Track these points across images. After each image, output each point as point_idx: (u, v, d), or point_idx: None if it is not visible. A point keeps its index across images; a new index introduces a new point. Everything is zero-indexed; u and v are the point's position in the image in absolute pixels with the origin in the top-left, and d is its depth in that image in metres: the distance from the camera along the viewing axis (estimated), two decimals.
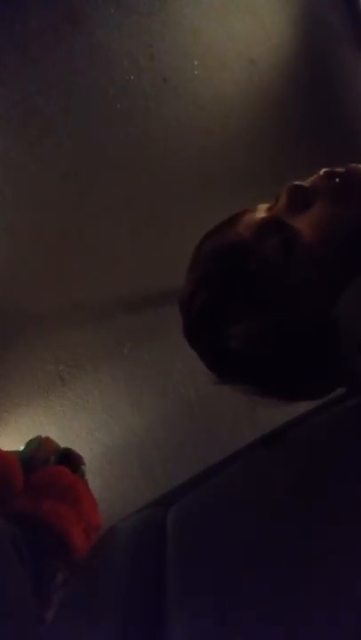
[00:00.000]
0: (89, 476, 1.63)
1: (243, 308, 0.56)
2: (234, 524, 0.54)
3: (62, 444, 1.59)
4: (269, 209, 0.59)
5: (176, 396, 1.65)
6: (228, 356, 0.58)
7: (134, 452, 1.65)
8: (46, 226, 1.44)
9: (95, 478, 1.67)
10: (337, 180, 0.54)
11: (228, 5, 1.42)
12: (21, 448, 1.03)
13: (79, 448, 1.61)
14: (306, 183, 0.56)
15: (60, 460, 0.98)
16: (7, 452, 0.91)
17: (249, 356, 0.56)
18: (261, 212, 0.59)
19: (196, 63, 1.43)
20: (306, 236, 0.53)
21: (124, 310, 1.55)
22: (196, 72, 1.44)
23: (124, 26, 1.34)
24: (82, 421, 1.60)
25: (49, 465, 0.95)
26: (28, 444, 1.02)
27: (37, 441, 1.01)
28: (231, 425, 1.69)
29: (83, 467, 0.99)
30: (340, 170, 0.54)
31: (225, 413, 1.69)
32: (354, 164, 0.55)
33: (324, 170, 0.55)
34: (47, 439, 1.03)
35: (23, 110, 1.33)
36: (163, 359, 1.62)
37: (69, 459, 1.00)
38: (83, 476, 0.97)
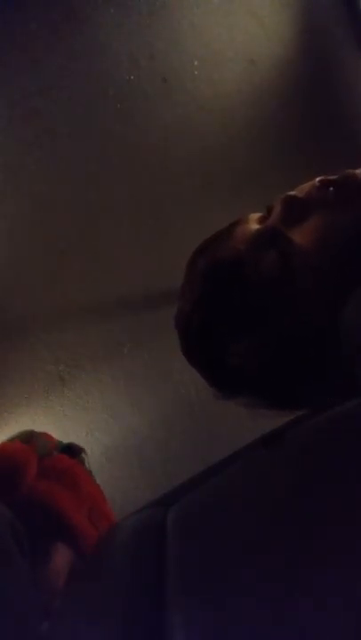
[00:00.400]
0: None
1: (242, 324, 0.55)
2: (234, 524, 0.54)
3: None
4: (262, 220, 0.57)
5: (176, 396, 1.65)
6: (229, 373, 0.57)
7: (134, 452, 1.65)
8: (46, 226, 1.44)
9: (95, 478, 1.67)
10: (331, 188, 0.52)
11: (228, 5, 1.42)
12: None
13: None
14: (300, 193, 0.54)
15: (62, 452, 0.99)
16: (22, 445, 0.91)
17: (250, 372, 0.55)
18: (254, 223, 0.57)
19: (196, 63, 1.43)
20: (303, 247, 0.51)
21: (124, 310, 1.55)
22: (196, 72, 1.44)
23: (124, 26, 1.35)
24: (82, 421, 1.60)
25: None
26: (19, 435, 1.02)
27: (27, 433, 1.02)
28: (231, 425, 1.69)
29: (83, 455, 0.99)
30: (334, 177, 0.53)
31: (225, 413, 1.69)
32: (349, 170, 0.53)
33: (318, 179, 0.53)
34: (46, 434, 1.04)
35: (23, 110, 1.34)
36: (163, 359, 1.62)
37: (70, 449, 1.01)
38: (83, 462, 0.97)
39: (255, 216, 0.58)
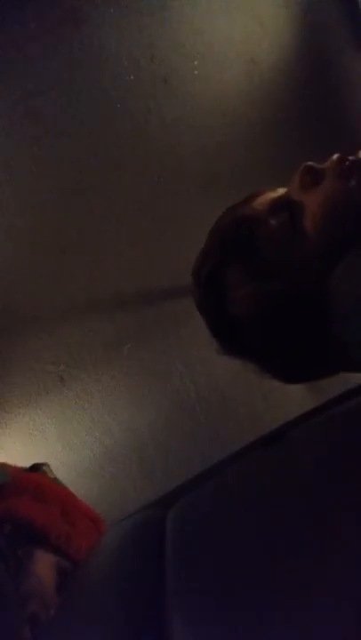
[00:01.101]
0: (89, 477, 1.64)
1: (246, 275, 0.59)
2: (234, 524, 0.54)
3: (62, 444, 1.60)
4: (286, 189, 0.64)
5: (176, 396, 1.65)
6: (229, 322, 0.62)
7: (134, 451, 1.65)
8: (46, 226, 1.44)
9: (95, 478, 1.68)
10: (347, 163, 0.57)
11: (228, 5, 1.42)
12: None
13: (79, 448, 1.63)
14: (318, 165, 0.59)
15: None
16: None
17: (249, 324, 0.60)
18: (277, 192, 0.63)
19: (196, 63, 1.43)
20: (311, 211, 0.57)
21: (124, 310, 1.55)
22: (196, 72, 1.44)
23: (125, 26, 1.35)
24: (82, 421, 1.60)
25: None
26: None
27: (4, 472, 1.03)
28: (231, 425, 1.69)
29: (44, 467, 1.00)
30: (352, 157, 0.57)
31: (225, 413, 1.69)
32: None
33: (336, 155, 0.58)
34: (5, 464, 1.05)
35: (23, 110, 1.34)
36: (163, 359, 1.62)
37: (32, 468, 1.02)
38: (45, 473, 0.98)
39: (281, 189, 0.64)
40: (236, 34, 1.45)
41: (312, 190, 0.58)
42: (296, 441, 0.64)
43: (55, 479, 1.00)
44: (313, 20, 1.51)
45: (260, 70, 1.49)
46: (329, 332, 0.54)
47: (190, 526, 0.59)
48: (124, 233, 1.50)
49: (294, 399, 1.70)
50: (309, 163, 0.59)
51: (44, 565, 0.73)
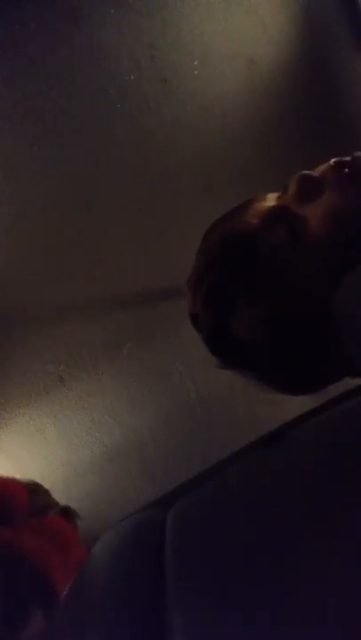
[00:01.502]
0: (89, 477, 1.64)
1: (247, 294, 0.56)
2: (234, 524, 0.54)
3: (62, 443, 1.60)
4: (278, 198, 0.59)
5: (176, 396, 1.65)
6: (230, 342, 0.59)
7: (134, 451, 1.65)
8: (46, 226, 1.44)
9: (95, 478, 1.68)
10: (346, 170, 0.54)
11: (229, 5, 1.42)
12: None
13: (79, 448, 1.63)
14: (315, 172, 0.56)
15: (59, 512, 0.99)
16: (13, 479, 0.91)
17: (250, 344, 0.57)
18: (271, 200, 0.59)
19: (196, 63, 1.43)
20: (313, 225, 0.53)
21: (124, 310, 1.55)
22: (196, 72, 1.44)
23: (124, 26, 1.34)
24: (82, 421, 1.60)
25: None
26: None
27: (36, 484, 1.02)
28: (231, 425, 1.69)
29: (79, 521, 1.00)
30: (348, 159, 0.54)
31: (225, 413, 1.69)
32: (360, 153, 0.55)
33: (333, 160, 0.55)
34: (48, 491, 1.04)
35: (23, 110, 1.33)
36: (163, 359, 1.62)
37: (68, 512, 1.01)
38: (77, 529, 0.97)
39: (273, 195, 0.60)
40: (237, 34, 1.45)
41: (312, 203, 0.54)
42: (296, 441, 0.64)
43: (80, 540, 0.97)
44: (313, 19, 1.51)
45: (261, 70, 1.49)
46: (335, 348, 0.51)
47: (190, 526, 0.59)
48: (124, 233, 1.50)
49: (294, 399, 1.70)
50: (306, 172, 0.56)
51: (36, 629, 0.71)
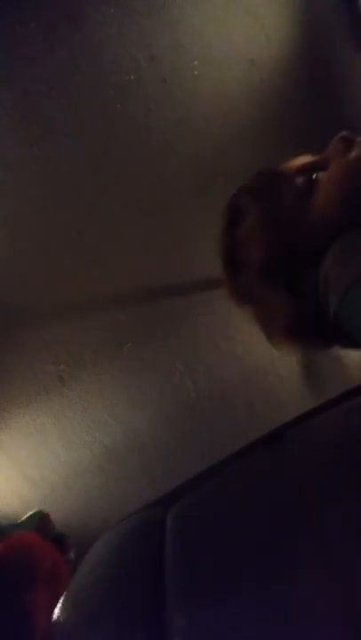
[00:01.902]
0: (89, 476, 1.64)
1: (262, 220, 0.69)
2: (234, 524, 0.54)
3: (62, 443, 1.60)
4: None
5: (176, 396, 1.65)
6: (237, 262, 0.72)
7: (134, 451, 1.66)
8: (46, 226, 1.44)
9: (95, 478, 1.68)
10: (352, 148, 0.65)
11: (228, 6, 1.42)
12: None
13: (79, 448, 1.63)
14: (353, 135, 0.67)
15: (53, 540, 1.00)
16: (34, 537, 0.91)
17: (254, 265, 0.69)
18: (310, 158, 0.72)
19: (196, 64, 1.43)
20: (332, 175, 0.65)
21: (124, 310, 1.55)
22: (196, 72, 1.44)
23: (124, 26, 1.34)
24: (82, 421, 1.60)
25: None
26: (31, 517, 1.04)
27: (39, 516, 1.03)
28: (231, 425, 1.69)
29: (72, 553, 1.00)
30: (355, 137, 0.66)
31: (225, 413, 1.69)
32: None
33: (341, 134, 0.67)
34: (47, 517, 1.05)
35: (23, 110, 1.34)
36: (163, 359, 1.62)
37: (62, 542, 1.02)
38: (70, 562, 0.98)
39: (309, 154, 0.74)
40: (237, 34, 1.44)
41: (340, 157, 0.65)
42: (295, 441, 0.64)
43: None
44: (313, 20, 1.51)
45: (260, 70, 1.49)
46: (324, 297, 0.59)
47: (190, 526, 0.59)
48: (124, 233, 1.50)
49: (294, 399, 1.70)
50: (346, 132, 0.67)
51: None
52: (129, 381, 1.61)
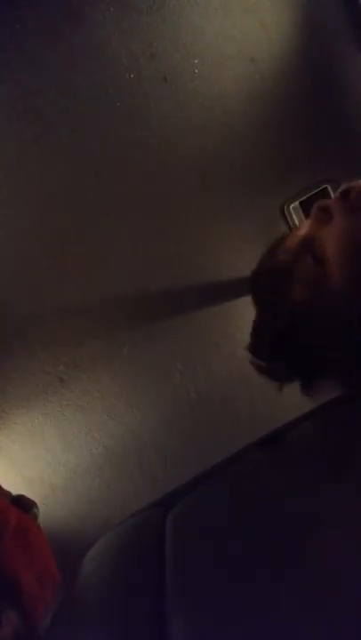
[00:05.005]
0: (88, 477, 1.63)
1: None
2: (234, 525, 0.54)
3: (61, 444, 1.60)
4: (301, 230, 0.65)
5: (176, 396, 1.65)
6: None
7: (134, 452, 1.65)
8: (46, 226, 1.44)
9: (95, 479, 1.67)
10: (352, 194, 0.58)
11: (229, 4, 1.42)
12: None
13: (79, 449, 1.62)
14: (327, 202, 0.61)
15: (12, 503, 1.00)
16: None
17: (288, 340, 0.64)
18: (297, 236, 0.64)
19: (196, 62, 1.43)
20: (332, 248, 0.58)
21: (124, 311, 1.55)
22: (196, 71, 1.44)
23: (124, 25, 1.34)
24: (81, 422, 1.59)
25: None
26: None
27: None
28: (231, 425, 1.69)
29: (35, 509, 1.00)
30: (354, 184, 0.58)
31: (225, 413, 1.69)
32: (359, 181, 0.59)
33: (343, 186, 0.59)
34: None
35: (23, 110, 1.33)
36: (162, 360, 1.62)
37: (20, 501, 1.02)
38: (35, 518, 0.98)
39: (301, 228, 0.65)
40: (237, 32, 1.44)
41: (327, 225, 0.59)
42: (295, 441, 0.64)
43: (39, 527, 0.99)
44: (314, 19, 1.51)
45: (261, 69, 1.49)
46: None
47: (190, 526, 0.59)
48: (123, 233, 1.50)
49: (294, 399, 1.69)
50: (321, 201, 0.61)
51: (9, 630, 0.71)
52: (129, 382, 1.60)
